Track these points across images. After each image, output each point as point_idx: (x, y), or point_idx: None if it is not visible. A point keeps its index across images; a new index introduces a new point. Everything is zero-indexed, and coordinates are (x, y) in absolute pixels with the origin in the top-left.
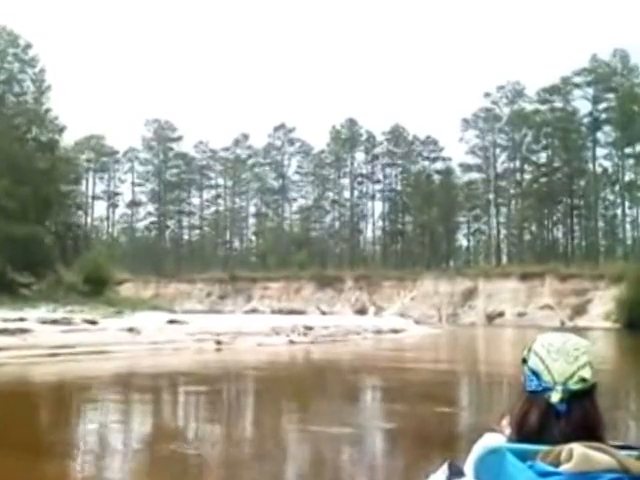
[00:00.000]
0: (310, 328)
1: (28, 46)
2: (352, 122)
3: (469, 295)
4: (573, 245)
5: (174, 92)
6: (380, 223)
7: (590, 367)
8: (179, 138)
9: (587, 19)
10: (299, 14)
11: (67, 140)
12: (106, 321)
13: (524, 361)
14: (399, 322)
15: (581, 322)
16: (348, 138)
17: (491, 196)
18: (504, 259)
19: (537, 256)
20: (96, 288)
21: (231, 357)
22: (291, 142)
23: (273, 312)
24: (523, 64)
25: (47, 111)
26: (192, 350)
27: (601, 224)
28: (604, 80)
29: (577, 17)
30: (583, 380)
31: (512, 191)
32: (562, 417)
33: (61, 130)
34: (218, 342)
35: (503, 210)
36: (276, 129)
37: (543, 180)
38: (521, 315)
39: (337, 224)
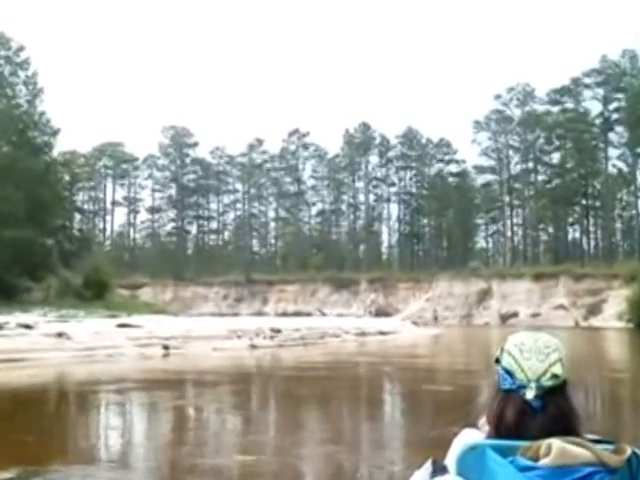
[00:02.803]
0: (278, 331)
1: (20, 49)
2: (365, 126)
3: (484, 296)
4: (590, 246)
5: (189, 98)
6: (397, 226)
7: (561, 364)
8: (195, 144)
9: (596, 20)
10: (312, 19)
11: (85, 147)
12: (45, 325)
13: (497, 361)
14: (391, 323)
15: (595, 322)
16: (362, 142)
17: (506, 198)
18: (522, 260)
19: (555, 257)
20: (96, 292)
21: (173, 365)
22: (305, 147)
23: (277, 315)
24: (533, 65)
25: (41, 114)
26: (132, 357)
27: (619, 225)
28: (614, 80)
29: (586, 18)
30: (555, 376)
31: (527, 193)
32: (538, 413)
33: (55, 133)
34: (165, 347)
35: (520, 211)
36: (290, 134)
37: (557, 181)
38: (535, 315)
39: (354, 227)
